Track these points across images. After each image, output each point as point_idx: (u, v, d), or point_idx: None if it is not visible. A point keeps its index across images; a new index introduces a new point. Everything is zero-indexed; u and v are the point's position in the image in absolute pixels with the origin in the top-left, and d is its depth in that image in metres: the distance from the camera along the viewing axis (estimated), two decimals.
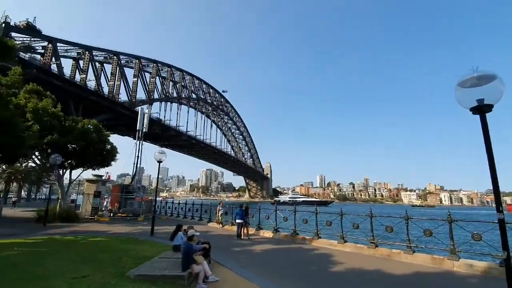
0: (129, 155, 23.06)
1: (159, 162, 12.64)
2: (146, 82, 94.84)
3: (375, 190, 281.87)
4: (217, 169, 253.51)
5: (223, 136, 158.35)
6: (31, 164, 26.32)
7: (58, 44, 67.94)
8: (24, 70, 13.71)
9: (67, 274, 5.34)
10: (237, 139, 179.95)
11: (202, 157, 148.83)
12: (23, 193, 51.47)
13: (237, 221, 12.32)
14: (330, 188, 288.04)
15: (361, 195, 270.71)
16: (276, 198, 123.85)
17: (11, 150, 9.70)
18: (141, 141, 22.07)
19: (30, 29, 61.52)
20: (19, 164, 38.96)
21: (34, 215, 16.85)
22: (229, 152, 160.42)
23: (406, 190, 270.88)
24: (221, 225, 16.22)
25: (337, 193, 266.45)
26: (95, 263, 6.43)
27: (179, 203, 21.84)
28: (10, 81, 10.10)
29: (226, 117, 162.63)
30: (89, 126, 17.93)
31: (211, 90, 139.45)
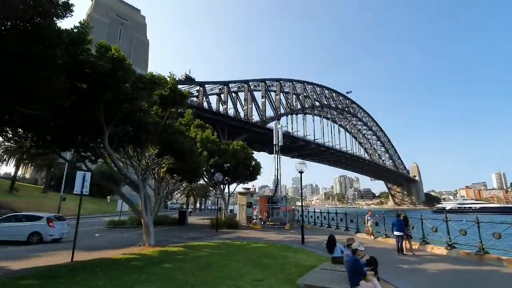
0: (265, 169, 25.59)
1: (301, 172, 13.03)
2: (272, 100, 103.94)
3: None
4: (352, 174, 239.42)
5: (353, 139, 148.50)
6: (200, 182, 33.90)
7: (206, 86, 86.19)
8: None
9: (246, 276, 6.10)
10: (370, 141, 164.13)
11: (333, 164, 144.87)
12: (197, 205, 66.86)
13: (396, 233, 10.63)
14: None
15: None
16: (438, 205, 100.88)
17: (193, 172, 12.75)
18: (278, 155, 23.93)
19: (187, 79, 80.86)
20: (193, 183, 51.14)
21: (208, 223, 21.25)
22: (363, 156, 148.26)
23: None
24: (372, 237, 14.69)
25: None
26: (264, 268, 7.09)
27: (320, 212, 21.76)
28: (186, 121, 13.36)
29: (355, 118, 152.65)
30: (237, 147, 21.37)
31: (334, 94, 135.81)
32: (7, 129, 9.05)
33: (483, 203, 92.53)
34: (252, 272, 6.61)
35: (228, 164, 21.74)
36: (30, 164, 50.05)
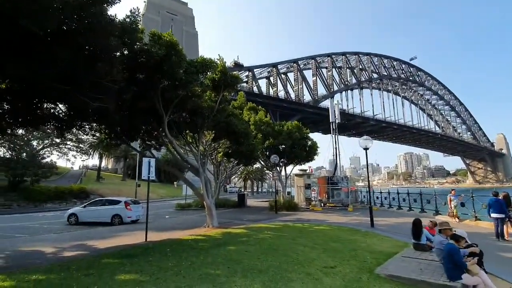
0: (320, 150, 24.21)
1: (366, 149, 11.70)
2: (324, 77, 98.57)
3: None
4: (419, 151, 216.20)
5: (420, 111, 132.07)
6: (256, 166, 34.36)
7: (255, 70, 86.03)
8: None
9: (316, 262, 5.58)
10: (442, 112, 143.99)
11: (396, 141, 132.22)
12: (254, 188, 68.77)
13: (493, 215, 8.78)
14: None
15: None
16: None
17: (249, 155, 12.59)
18: (335, 133, 22.35)
19: (236, 66, 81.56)
20: (250, 166, 52.48)
21: (267, 205, 21.35)
22: (433, 129, 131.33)
23: None
24: (457, 219, 12.63)
25: None
26: (334, 253, 6.46)
27: (388, 192, 19.82)
28: (239, 103, 13.14)
29: (421, 88, 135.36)
30: (292, 127, 20.58)
31: (394, 63, 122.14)
32: (85, 124, 10.03)
33: None
34: (321, 257, 6.05)
35: (283, 146, 21.22)
36: (110, 156, 58.15)
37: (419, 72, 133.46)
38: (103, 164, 55.56)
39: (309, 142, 21.50)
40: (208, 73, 10.70)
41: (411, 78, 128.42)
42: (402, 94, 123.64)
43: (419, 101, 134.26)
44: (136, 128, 11.03)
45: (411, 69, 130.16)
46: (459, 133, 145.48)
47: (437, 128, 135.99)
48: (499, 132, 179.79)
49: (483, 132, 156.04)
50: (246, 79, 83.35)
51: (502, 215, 8.63)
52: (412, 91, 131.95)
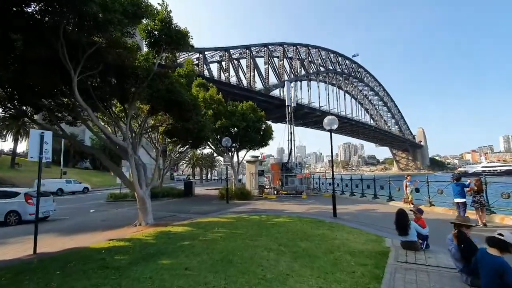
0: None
1: (330, 130, 10.43)
2: (276, 66, 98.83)
3: None
4: (356, 141, 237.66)
5: (358, 105, 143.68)
6: (206, 152, 31.79)
7: (206, 53, 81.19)
8: None
9: (292, 282, 3.78)
10: (376, 106, 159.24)
11: (338, 131, 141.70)
12: (203, 176, 65.76)
13: (456, 200, 8.33)
14: None
15: None
16: (460, 169, 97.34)
17: (197, 134, 10.20)
18: (291, 117, 21.20)
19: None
20: (198, 151, 49.25)
21: (217, 194, 19.29)
22: (368, 122, 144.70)
23: None
24: (411, 205, 12.44)
25: None
26: (309, 261, 4.78)
27: (341, 179, 19.60)
28: (186, 71, 10.54)
29: (361, 84, 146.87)
30: (246, 108, 18.58)
31: (339, 58, 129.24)
32: None
33: (510, 165, 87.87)
34: (294, 270, 4.29)
35: (236, 129, 19.20)
36: (28, 138, 48.39)
37: (359, 69, 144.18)
38: (23, 148, 45.97)
39: (264, 126, 19.86)
40: (144, 20, 7.90)
41: (352, 74, 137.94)
42: (345, 88, 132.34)
43: (358, 96, 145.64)
44: (33, 91, 7.69)
45: (353, 65, 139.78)
46: (389, 126, 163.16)
47: (372, 121, 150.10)
48: (419, 126, 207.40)
49: (407, 126, 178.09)
50: (197, 62, 78.29)
51: (463, 200, 8.24)
52: (353, 86, 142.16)
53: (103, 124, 9.50)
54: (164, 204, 16.90)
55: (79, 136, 43.25)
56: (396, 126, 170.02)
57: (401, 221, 5.28)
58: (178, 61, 13.87)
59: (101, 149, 20.86)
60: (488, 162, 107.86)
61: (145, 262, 4.61)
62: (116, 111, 10.05)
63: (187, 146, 18.26)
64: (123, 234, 7.55)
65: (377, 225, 8.93)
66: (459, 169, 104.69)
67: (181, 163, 70.02)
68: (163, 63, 9.02)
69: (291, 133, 21.02)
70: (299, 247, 5.75)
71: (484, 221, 8.28)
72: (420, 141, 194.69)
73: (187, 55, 78.23)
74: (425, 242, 5.32)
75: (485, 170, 70.19)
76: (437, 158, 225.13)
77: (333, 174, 11.06)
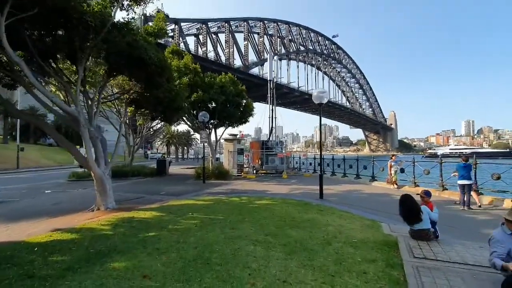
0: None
1: (320, 104, 9.43)
2: (255, 43, 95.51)
3: None
4: (332, 123, 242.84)
5: (336, 87, 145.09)
6: (181, 129, 29.88)
7: (182, 24, 75.87)
8: None
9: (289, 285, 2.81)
10: (353, 89, 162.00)
11: (315, 112, 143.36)
12: (179, 154, 63.47)
13: (460, 182, 7.86)
14: (482, 136, 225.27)
15: None
16: (430, 151, 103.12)
17: (169, 104, 8.67)
18: (273, 91, 19.95)
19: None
20: (173, 128, 46.79)
21: (193, 173, 18.01)
22: (345, 104, 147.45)
23: None
24: (395, 186, 12.16)
25: (494, 142, 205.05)
26: (306, 257, 3.85)
27: (322, 159, 19.07)
28: (155, 28, 8.75)
29: (339, 65, 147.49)
30: (225, 80, 16.96)
31: (319, 38, 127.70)
32: None
33: (473, 148, 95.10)
34: (290, 271, 3.33)
35: (214, 105, 17.66)
36: None
37: (339, 50, 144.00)
38: None
39: (244, 101, 18.45)
40: None
41: (331, 55, 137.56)
42: (323, 70, 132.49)
43: (336, 78, 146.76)
44: None
45: (333, 46, 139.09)
46: (363, 109, 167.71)
47: (348, 104, 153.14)
48: (391, 110, 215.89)
49: (380, 109, 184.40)
50: (172, 33, 73.02)
51: (469, 182, 7.79)
52: (332, 67, 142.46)
53: (54, 90, 7.70)
54: (133, 184, 15.39)
55: (40, 110, 39.04)
56: (370, 109, 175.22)
57: (411, 207, 4.48)
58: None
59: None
60: (455, 145, 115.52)
61: (89, 266, 3.38)
62: (68, 73, 8.17)
63: (160, 121, 16.54)
64: (74, 222, 6.17)
65: (366, 207, 8.34)
66: (429, 150, 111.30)
67: (155, 141, 66.97)
68: (126, 12, 7.24)
69: (272, 110, 19.92)
70: (290, 237, 4.82)
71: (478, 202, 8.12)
72: (391, 124, 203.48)
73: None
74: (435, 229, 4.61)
75: (453, 152, 74.99)
76: (405, 140, 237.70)
77: (321, 154, 10.24)
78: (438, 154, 79.42)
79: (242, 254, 3.85)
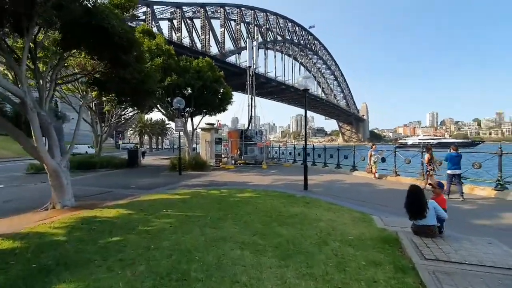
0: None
1: (306, 90, 8.86)
2: (232, 31, 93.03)
3: None
4: (308, 114, 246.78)
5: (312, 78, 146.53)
6: (155, 117, 28.15)
7: (155, 7, 71.46)
8: None
9: None
10: (328, 80, 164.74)
11: (292, 103, 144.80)
12: (153, 145, 60.77)
13: (450, 171, 7.73)
14: (444, 127, 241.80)
15: (490, 134, 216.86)
16: (401, 141, 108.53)
17: (137, 86, 7.57)
18: (252, 79, 19.12)
19: None
20: (147, 116, 44.28)
21: (168, 164, 16.92)
22: (320, 95, 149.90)
23: None
24: (374, 176, 12.08)
25: (455, 133, 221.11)
26: (301, 260, 3.32)
27: (303, 148, 18.82)
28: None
29: (315, 56, 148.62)
30: (202, 64, 15.78)
31: (297, 28, 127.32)
32: None
33: (440, 138, 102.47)
34: (287, 282, 2.76)
35: (190, 92, 16.48)
36: None
37: (315, 41, 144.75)
38: None
39: (223, 88, 17.41)
40: None
41: (308, 46, 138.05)
42: (300, 60, 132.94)
43: (312, 69, 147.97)
44: None
45: (310, 37, 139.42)
46: (337, 100, 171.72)
47: (323, 95, 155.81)
48: (363, 101, 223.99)
49: (354, 101, 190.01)
50: (144, 17, 68.54)
51: (459, 172, 7.70)
52: (308, 58, 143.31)
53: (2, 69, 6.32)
54: (101, 176, 14.06)
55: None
56: (344, 101, 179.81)
57: (418, 200, 4.06)
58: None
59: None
60: (424, 135, 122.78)
61: None
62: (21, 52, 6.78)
63: (129, 107, 15.12)
64: (22, 224, 5.13)
65: (352, 198, 8.05)
66: (400, 141, 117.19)
67: (127, 130, 63.46)
68: None
69: (252, 98, 19.15)
70: (280, 236, 4.25)
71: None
72: (363, 115, 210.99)
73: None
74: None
75: (421, 142, 79.63)
76: (376, 131, 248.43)
77: (305, 143, 9.75)
78: (408, 143, 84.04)
79: (228, 262, 3.20)
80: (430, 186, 4.58)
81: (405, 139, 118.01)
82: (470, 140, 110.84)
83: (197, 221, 5.05)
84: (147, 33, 14.59)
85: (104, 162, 17.54)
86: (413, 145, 61.95)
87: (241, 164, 18.59)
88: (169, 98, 16.33)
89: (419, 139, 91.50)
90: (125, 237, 4.07)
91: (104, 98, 11.24)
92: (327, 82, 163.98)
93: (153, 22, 69.19)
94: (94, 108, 18.43)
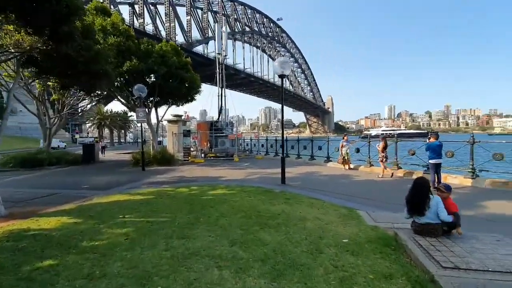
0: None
1: (282, 76, 8.17)
2: (199, 20, 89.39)
3: (458, 118, 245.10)
4: (276, 106, 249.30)
5: None
6: (116, 110, 25.73)
7: None
8: None
9: None
10: (295, 73, 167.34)
11: (260, 95, 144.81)
12: (115, 139, 56.43)
13: (433, 161, 7.56)
14: (400, 119, 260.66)
15: (439, 124, 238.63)
16: (366, 132, 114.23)
17: (85, 65, 6.21)
18: (222, 67, 17.98)
19: None
20: (107, 107, 40.61)
21: (130, 159, 15.34)
22: (288, 87, 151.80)
23: (501, 116, 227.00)
24: (348, 167, 11.91)
25: (409, 124, 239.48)
26: (295, 278, 2.63)
27: (276, 140, 18.33)
28: None
29: (283, 49, 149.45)
30: (167, 48, 14.24)
31: (265, 20, 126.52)
32: None
33: (400, 130, 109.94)
34: None
35: (154, 79, 14.94)
36: None
37: (283, 34, 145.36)
38: None
39: (190, 75, 16.00)
40: None
41: (276, 38, 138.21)
42: (268, 52, 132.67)
43: None
44: None
45: (277, 29, 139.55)
46: (304, 93, 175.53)
47: (291, 87, 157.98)
48: (329, 94, 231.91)
49: (320, 94, 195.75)
50: (102, 0, 62.34)
51: (440, 161, 7.60)
52: (276, 51, 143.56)
53: None
54: (49, 175, 12.19)
55: None
56: (311, 93, 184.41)
57: (420, 194, 3.57)
58: None
59: None
60: (386, 127, 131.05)
61: None
62: None
63: (89, 99, 13.23)
64: None
65: (332, 191, 7.64)
66: (365, 132, 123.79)
67: (85, 123, 58.14)
68: None
69: (222, 87, 18.05)
70: (264, 244, 3.53)
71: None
72: (329, 108, 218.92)
73: None
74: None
75: (384, 133, 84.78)
76: (340, 123, 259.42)
77: (283, 135, 9.09)
78: (372, 135, 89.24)
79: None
80: (437, 190, 4.07)
81: (369, 130, 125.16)
82: (425, 131, 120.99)
83: (161, 229, 4.13)
84: (101, 10, 12.62)
85: (53, 158, 15.41)
86: (376, 136, 65.77)
87: (212, 158, 17.59)
88: (130, 88, 14.65)
89: (382, 130, 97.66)
90: (61, 260, 3.03)
91: (49, 83, 9.51)
92: (294, 75, 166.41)
93: (112, 6, 63.53)
94: (40, 98, 15.97)
